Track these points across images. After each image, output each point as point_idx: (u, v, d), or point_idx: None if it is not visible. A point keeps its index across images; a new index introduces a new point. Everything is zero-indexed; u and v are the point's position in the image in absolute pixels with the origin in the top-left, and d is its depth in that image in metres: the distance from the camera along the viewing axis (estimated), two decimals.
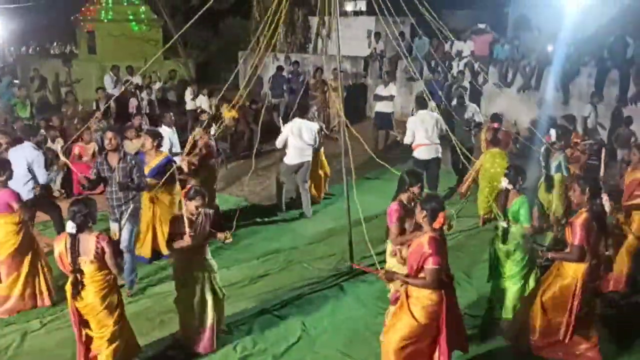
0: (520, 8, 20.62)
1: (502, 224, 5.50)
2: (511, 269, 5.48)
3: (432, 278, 4.43)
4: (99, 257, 4.77)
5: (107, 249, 4.79)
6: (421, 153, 9.12)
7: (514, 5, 21.17)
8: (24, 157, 6.98)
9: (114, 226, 6.54)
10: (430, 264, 4.42)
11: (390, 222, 5.29)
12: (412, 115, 11.46)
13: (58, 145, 9.59)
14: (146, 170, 6.92)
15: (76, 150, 10.26)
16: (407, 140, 9.29)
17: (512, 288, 5.50)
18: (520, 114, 13.08)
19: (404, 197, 5.37)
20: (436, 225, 4.49)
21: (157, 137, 7.38)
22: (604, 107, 11.88)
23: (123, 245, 6.38)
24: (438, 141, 9.19)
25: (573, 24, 12.81)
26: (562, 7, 14.00)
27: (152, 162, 7.25)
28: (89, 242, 4.76)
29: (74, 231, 4.72)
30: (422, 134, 9.09)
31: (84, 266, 4.77)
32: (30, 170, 6.98)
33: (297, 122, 9.01)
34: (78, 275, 4.78)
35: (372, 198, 8.66)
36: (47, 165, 9.85)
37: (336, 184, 9.83)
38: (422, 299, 4.52)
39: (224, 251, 7.52)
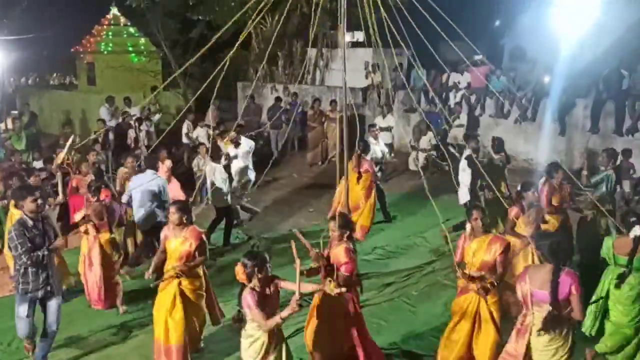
0: (515, 39, 20.88)
1: (620, 269, 5.57)
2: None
3: (346, 282, 5.19)
4: None
5: None
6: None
7: (509, 36, 21.43)
8: None
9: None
10: (343, 271, 5.20)
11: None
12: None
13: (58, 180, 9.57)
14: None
15: (74, 182, 10.20)
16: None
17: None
18: (517, 145, 13.15)
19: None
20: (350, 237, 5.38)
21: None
22: (600, 139, 11.94)
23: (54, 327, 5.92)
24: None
25: (568, 55, 12.93)
26: (557, 38, 14.14)
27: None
28: None
29: None
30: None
31: None
32: None
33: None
34: None
35: None
36: (46, 198, 9.88)
37: None
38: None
39: None
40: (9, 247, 5.70)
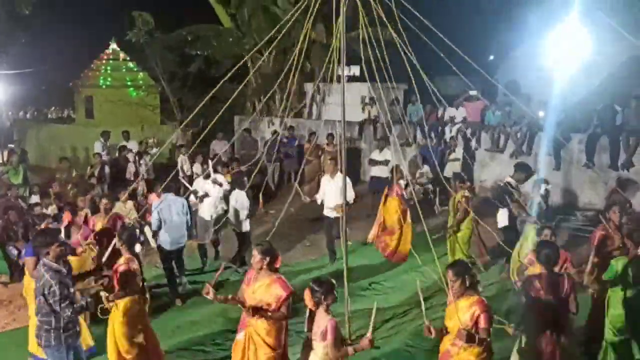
0: (509, 74, 21.13)
1: None
2: None
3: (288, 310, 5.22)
4: None
5: None
6: None
7: (503, 71, 21.69)
8: None
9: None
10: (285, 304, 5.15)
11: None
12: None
13: (50, 212, 9.57)
14: None
15: (69, 217, 10.18)
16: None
17: None
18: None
19: None
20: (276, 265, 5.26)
21: None
22: (595, 174, 12.02)
23: None
24: None
25: (562, 90, 13.09)
26: (550, 73, 14.34)
27: None
28: None
29: None
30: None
31: None
32: None
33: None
34: None
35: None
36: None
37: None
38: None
39: None
40: (44, 297, 5.26)
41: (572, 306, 5.24)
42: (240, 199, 9.65)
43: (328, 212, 9.88)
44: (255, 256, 5.21)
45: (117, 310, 5.91)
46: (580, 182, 12.37)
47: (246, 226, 9.78)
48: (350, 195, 9.14)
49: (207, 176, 10.10)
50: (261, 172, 10.49)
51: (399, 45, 6.42)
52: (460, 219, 9.00)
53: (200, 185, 10.17)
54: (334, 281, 4.82)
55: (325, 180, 10.05)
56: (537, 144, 12.96)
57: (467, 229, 9.06)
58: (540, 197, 8.48)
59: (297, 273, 9.61)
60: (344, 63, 6.22)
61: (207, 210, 9.97)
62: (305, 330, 5.04)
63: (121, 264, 5.99)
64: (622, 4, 14.49)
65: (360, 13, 6.18)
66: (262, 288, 5.20)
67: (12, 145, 17.66)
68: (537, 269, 5.74)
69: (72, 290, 5.47)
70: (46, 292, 5.25)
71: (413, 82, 6.58)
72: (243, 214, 9.63)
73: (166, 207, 8.65)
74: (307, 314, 4.96)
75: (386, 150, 13.67)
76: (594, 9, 12.68)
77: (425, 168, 13.19)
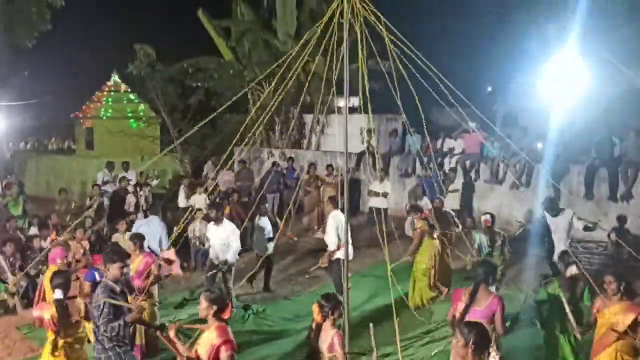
0: (506, 106, 21.32)
1: None
2: None
3: None
4: None
5: None
6: None
7: (501, 102, 21.88)
8: None
9: None
10: (223, 352, 4.56)
11: None
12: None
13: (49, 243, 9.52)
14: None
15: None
16: None
17: None
18: (513, 211, 13.17)
19: None
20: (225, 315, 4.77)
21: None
22: (595, 205, 12.01)
23: None
24: None
25: (559, 122, 13.18)
26: (547, 104, 14.45)
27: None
28: None
29: None
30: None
31: None
32: None
33: None
34: None
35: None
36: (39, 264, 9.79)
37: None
38: None
39: None
40: (95, 313, 5.41)
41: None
42: (263, 224, 10.25)
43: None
44: (202, 303, 4.78)
45: None
46: (580, 213, 12.29)
47: (270, 249, 10.20)
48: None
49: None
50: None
51: (389, 80, 6.50)
52: (412, 249, 9.31)
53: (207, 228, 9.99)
54: (341, 297, 5.19)
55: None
56: (536, 176, 12.98)
57: (423, 259, 9.13)
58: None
59: (297, 303, 9.54)
60: (347, 93, 6.28)
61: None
62: (307, 337, 5.41)
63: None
64: (618, 38, 14.68)
65: (360, 45, 6.25)
66: (204, 338, 4.78)
67: (10, 177, 17.67)
68: None
69: (124, 309, 5.48)
70: (97, 312, 5.36)
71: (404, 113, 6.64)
72: (266, 239, 10.18)
73: (145, 227, 8.91)
74: (313, 326, 5.16)
75: (386, 182, 13.69)
76: (591, 42, 12.86)
77: (425, 199, 13.18)
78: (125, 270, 5.77)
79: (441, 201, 10.74)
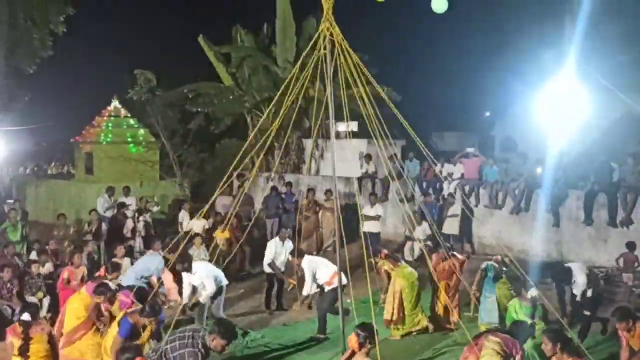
0: (505, 130, 21.42)
1: None
2: None
3: None
4: None
5: None
6: None
7: (500, 128, 22.00)
8: None
9: None
10: None
11: None
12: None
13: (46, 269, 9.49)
14: None
15: (65, 274, 10.06)
16: None
17: None
18: (512, 236, 13.14)
19: None
20: None
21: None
22: (594, 230, 12.00)
23: None
24: None
25: (558, 147, 13.23)
26: (545, 130, 14.52)
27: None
28: None
29: None
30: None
31: None
32: None
33: None
34: None
35: None
36: (36, 290, 9.73)
37: None
38: None
39: None
40: None
41: None
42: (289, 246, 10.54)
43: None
44: None
45: None
46: (580, 239, 12.32)
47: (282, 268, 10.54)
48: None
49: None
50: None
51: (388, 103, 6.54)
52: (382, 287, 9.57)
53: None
54: (376, 327, 5.38)
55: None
56: (535, 201, 12.98)
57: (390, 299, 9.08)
58: None
59: (295, 330, 9.45)
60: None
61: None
62: None
63: None
64: (615, 65, 14.84)
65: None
66: None
67: (11, 201, 17.63)
68: None
69: None
70: None
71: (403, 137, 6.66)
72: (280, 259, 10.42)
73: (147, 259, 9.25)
74: (347, 354, 5.41)
75: (378, 206, 13.69)
76: (589, 69, 12.98)
77: (424, 225, 13.15)
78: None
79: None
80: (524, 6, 18.77)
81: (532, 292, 6.71)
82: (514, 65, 19.18)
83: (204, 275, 8.92)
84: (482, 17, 22.24)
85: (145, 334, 6.46)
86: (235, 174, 19.48)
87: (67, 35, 19.83)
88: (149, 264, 9.29)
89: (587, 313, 8.27)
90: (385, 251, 9.88)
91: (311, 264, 9.30)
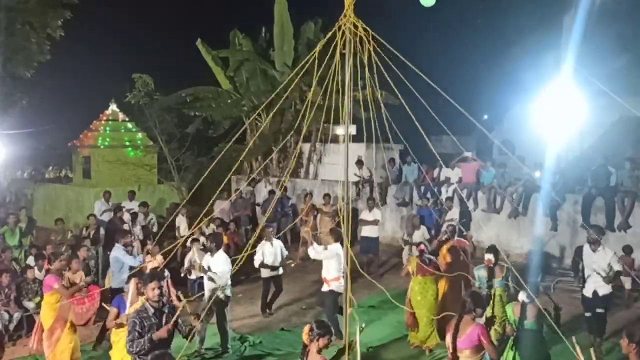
0: (503, 134, 21.44)
1: None
2: None
3: None
4: None
5: None
6: None
7: (498, 131, 22.02)
8: None
9: None
10: None
11: None
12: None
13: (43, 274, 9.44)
14: None
15: (63, 281, 10.03)
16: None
17: None
18: (511, 240, 13.15)
19: None
20: None
21: None
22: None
23: None
24: None
25: (556, 150, 13.25)
26: (543, 134, 14.54)
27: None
28: None
29: None
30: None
31: None
32: None
33: None
34: None
35: None
36: (32, 295, 9.69)
37: None
38: None
39: None
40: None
41: None
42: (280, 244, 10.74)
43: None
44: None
45: None
46: (578, 242, 12.31)
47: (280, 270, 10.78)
48: None
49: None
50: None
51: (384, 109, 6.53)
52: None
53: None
54: (333, 329, 5.22)
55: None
56: (533, 205, 12.99)
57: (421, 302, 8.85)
58: None
59: (294, 335, 9.43)
60: (349, 122, 6.28)
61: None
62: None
63: None
64: (613, 69, 14.87)
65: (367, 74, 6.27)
66: None
67: (20, 211, 17.47)
68: None
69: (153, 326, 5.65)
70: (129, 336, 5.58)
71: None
72: (271, 259, 10.54)
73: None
74: (302, 346, 5.28)
75: (375, 210, 13.67)
76: (586, 73, 13.00)
77: (422, 229, 13.15)
78: (161, 290, 5.80)
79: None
80: (522, 11, 18.82)
81: (521, 296, 6.61)
82: (512, 69, 19.22)
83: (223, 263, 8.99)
84: (480, 22, 22.30)
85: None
86: (234, 178, 19.58)
87: (64, 39, 19.82)
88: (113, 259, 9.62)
89: (600, 310, 8.28)
90: (423, 247, 9.20)
91: (339, 253, 8.96)
